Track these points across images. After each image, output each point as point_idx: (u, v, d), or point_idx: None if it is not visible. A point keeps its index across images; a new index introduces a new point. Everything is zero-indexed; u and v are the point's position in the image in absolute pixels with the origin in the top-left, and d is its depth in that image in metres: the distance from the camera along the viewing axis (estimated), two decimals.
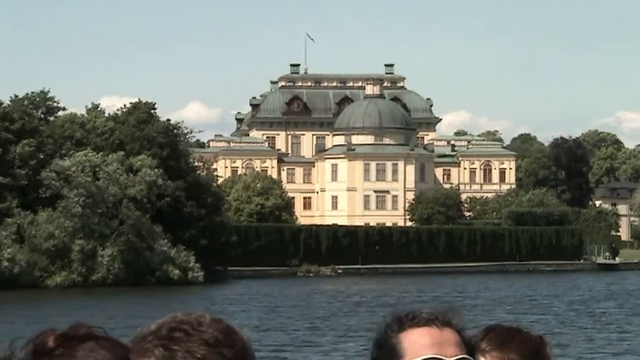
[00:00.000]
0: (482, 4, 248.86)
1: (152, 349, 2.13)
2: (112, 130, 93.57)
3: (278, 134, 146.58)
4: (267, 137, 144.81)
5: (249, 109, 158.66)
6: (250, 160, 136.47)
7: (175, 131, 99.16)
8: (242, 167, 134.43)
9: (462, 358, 2.77)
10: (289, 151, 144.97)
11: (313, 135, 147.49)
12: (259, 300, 72.86)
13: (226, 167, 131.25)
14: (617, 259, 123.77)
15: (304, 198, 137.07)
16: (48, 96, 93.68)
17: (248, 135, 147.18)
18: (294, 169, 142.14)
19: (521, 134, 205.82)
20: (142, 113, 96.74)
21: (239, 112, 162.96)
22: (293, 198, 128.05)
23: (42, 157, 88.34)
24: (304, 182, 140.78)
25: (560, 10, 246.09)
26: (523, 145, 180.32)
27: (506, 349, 2.85)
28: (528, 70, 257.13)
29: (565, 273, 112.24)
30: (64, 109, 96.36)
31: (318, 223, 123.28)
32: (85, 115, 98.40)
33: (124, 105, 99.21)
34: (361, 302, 71.08)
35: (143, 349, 2.12)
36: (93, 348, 1.93)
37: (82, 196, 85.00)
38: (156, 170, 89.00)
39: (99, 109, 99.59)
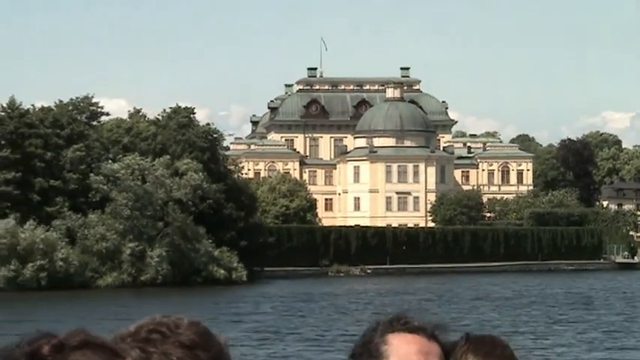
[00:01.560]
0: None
1: (129, 351, 2.20)
2: (154, 135, 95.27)
3: (296, 137, 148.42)
4: (285, 140, 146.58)
5: (261, 112, 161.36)
6: (273, 162, 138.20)
7: (215, 135, 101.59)
8: (265, 169, 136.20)
9: None
10: (308, 154, 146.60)
11: (331, 137, 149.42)
12: (324, 298, 75.04)
13: (249, 170, 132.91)
14: (635, 258, 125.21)
15: (326, 199, 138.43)
16: (92, 101, 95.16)
17: (266, 137, 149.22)
18: (315, 171, 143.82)
19: (520, 135, 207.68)
20: (182, 118, 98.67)
21: (254, 115, 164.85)
22: (315, 199, 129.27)
23: (90, 161, 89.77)
24: (325, 184, 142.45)
25: (545, 9, 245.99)
26: (523, 145, 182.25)
27: (492, 356, 2.97)
28: (513, 70, 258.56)
29: (585, 271, 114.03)
30: (107, 114, 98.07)
31: (340, 224, 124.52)
32: (128, 119, 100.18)
33: (164, 109, 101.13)
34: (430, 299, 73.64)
35: (121, 350, 2.18)
36: (85, 355, 1.97)
37: (130, 199, 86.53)
38: (200, 174, 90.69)
39: (140, 113, 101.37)
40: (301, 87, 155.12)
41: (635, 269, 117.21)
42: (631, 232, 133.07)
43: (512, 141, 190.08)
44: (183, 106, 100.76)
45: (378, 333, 2.85)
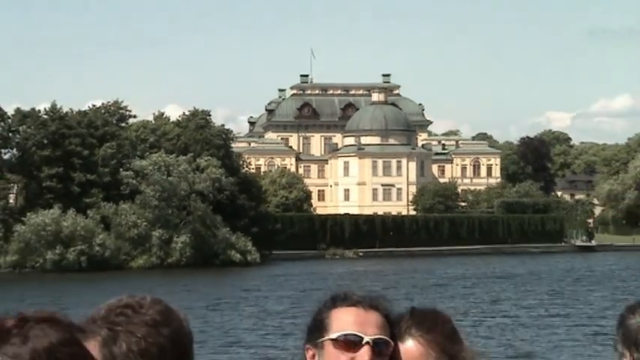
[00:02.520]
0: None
1: (99, 331, 2.20)
2: (178, 136, 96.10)
3: (291, 136, 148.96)
4: (281, 138, 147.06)
5: (257, 113, 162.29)
6: (272, 158, 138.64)
7: (228, 135, 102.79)
8: (265, 165, 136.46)
9: (380, 338, 2.83)
10: (301, 150, 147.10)
11: (321, 136, 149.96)
12: (340, 276, 76.05)
13: (251, 165, 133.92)
14: (592, 241, 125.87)
15: (319, 191, 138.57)
16: (121, 105, 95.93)
17: (263, 136, 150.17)
18: (309, 166, 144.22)
19: (479, 133, 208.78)
20: (199, 119, 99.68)
21: (251, 117, 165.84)
22: (310, 191, 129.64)
23: (120, 157, 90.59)
24: (319, 177, 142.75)
25: (492, 13, 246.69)
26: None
27: (434, 331, 2.90)
28: (467, 76, 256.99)
29: (549, 253, 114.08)
30: (134, 116, 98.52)
31: (333, 213, 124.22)
32: (153, 121, 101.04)
33: (183, 112, 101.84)
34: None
35: (91, 330, 2.18)
36: (44, 329, 1.92)
37: (157, 191, 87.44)
38: (218, 169, 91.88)
39: (164, 116, 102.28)
40: (295, 92, 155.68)
41: (592, 251, 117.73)
42: (588, 220, 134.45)
43: (473, 139, 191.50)
44: (200, 109, 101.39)
45: (325, 309, 2.92)
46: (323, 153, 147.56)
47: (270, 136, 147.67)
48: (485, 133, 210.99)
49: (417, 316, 2.92)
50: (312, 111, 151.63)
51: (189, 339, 2.36)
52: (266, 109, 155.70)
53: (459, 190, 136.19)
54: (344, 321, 2.82)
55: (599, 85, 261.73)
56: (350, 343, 2.80)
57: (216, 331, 41.30)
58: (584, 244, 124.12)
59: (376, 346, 2.80)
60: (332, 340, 2.82)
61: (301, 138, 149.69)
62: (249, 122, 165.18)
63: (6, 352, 1.88)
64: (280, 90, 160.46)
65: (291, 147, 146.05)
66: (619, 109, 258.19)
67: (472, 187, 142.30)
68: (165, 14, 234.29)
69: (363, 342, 2.79)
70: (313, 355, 2.88)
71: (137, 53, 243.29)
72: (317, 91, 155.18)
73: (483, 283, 69.75)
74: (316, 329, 2.88)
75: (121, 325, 2.25)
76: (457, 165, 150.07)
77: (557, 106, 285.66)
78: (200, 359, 31.38)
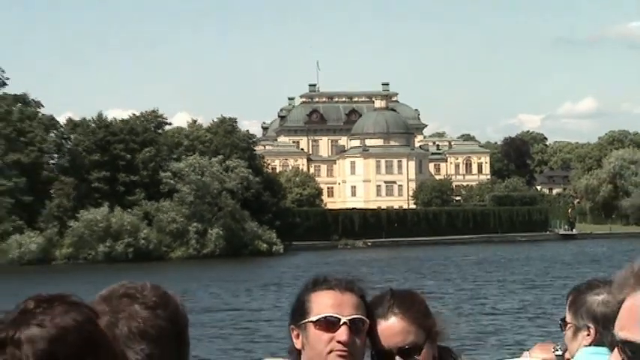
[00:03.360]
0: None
1: (104, 313, 2.18)
2: (209, 140, 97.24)
3: (301, 139, 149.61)
4: (293, 141, 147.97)
5: (270, 119, 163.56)
6: (286, 159, 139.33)
7: (252, 139, 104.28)
8: (279, 165, 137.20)
9: (356, 317, 2.84)
10: (311, 152, 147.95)
11: (328, 139, 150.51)
12: (353, 263, 76.38)
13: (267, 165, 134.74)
14: (574, 230, 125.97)
15: (328, 188, 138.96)
16: (158, 114, 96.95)
17: (276, 140, 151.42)
18: (319, 165, 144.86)
19: (462, 134, 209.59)
20: (227, 126, 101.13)
21: (264, 122, 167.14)
22: (321, 188, 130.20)
23: (159, 160, 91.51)
24: (327, 176, 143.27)
25: (467, 14, 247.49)
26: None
27: (412, 309, 2.94)
28: (446, 78, 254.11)
29: (535, 241, 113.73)
30: (170, 123, 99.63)
31: (341, 207, 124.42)
32: (187, 128, 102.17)
33: (213, 120, 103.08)
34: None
35: (96, 309, 2.10)
36: (66, 309, 1.92)
37: (193, 190, 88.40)
38: (246, 169, 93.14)
39: (196, 123, 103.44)
40: (304, 100, 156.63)
41: (573, 239, 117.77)
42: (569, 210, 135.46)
43: (458, 139, 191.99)
44: (227, 117, 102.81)
45: (306, 293, 2.91)
46: (330, 154, 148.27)
47: (283, 139, 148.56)
48: (469, 134, 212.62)
49: (397, 296, 2.98)
50: (319, 117, 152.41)
51: (184, 321, 2.41)
52: (278, 116, 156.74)
53: (454, 186, 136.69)
54: (323, 303, 2.86)
55: (565, 90, 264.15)
56: (329, 324, 2.83)
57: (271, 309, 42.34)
58: (567, 232, 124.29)
59: (353, 324, 2.84)
60: (313, 322, 2.84)
61: (310, 141, 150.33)
62: (262, 127, 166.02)
63: (30, 332, 1.89)
64: (290, 98, 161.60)
65: (302, 149, 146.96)
66: (584, 111, 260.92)
67: (465, 183, 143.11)
68: (189, 32, 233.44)
69: (341, 322, 2.82)
70: (297, 335, 2.91)
71: (159, 65, 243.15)
72: (324, 99, 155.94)
73: (488, 264, 71.20)
74: (299, 311, 2.91)
75: (124, 307, 2.30)
76: (451, 163, 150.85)
77: (528, 109, 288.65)
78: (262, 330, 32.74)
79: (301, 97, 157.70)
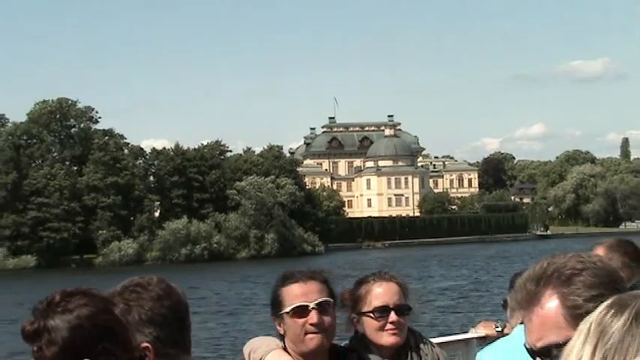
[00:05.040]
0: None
1: (117, 304, 2.07)
2: (262, 164, 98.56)
3: (324, 161, 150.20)
4: (317, 163, 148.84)
5: (295, 145, 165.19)
6: (314, 178, 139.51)
7: (296, 162, 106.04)
8: (309, 183, 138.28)
9: (322, 300, 2.75)
10: (332, 172, 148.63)
11: (345, 161, 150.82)
12: (378, 260, 77.18)
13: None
14: (548, 231, 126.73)
15: (348, 200, 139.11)
16: (221, 143, 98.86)
17: (302, 162, 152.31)
18: (341, 183, 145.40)
19: (444, 155, 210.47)
20: (275, 151, 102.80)
21: (291, 148, 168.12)
22: (343, 201, 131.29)
23: (224, 180, 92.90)
24: (347, 191, 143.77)
25: (447, 58, 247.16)
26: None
27: (396, 278, 2.97)
28: (425, 106, 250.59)
29: (517, 241, 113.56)
30: (230, 151, 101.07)
31: (359, 216, 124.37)
32: (243, 154, 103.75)
33: (263, 147, 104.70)
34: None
35: (113, 301, 2.03)
36: (85, 302, 1.86)
37: (252, 204, 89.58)
38: (292, 186, 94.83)
39: (250, 150, 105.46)
40: (325, 129, 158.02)
41: (548, 238, 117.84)
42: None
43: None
44: (274, 144, 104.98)
45: (277, 288, 2.84)
46: (347, 173, 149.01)
47: (309, 162, 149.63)
48: (449, 155, 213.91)
49: (377, 274, 3.07)
50: (338, 143, 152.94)
51: (186, 309, 2.37)
52: (304, 143, 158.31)
53: (450, 197, 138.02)
54: (292, 295, 2.80)
55: (520, 117, 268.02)
56: (301, 311, 2.77)
57: None
58: (543, 233, 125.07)
59: (320, 307, 2.78)
60: (287, 312, 2.79)
61: (331, 163, 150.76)
62: (289, 152, 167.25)
63: (55, 322, 1.84)
64: (311, 128, 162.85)
65: (326, 170, 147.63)
66: (535, 134, 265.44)
67: (459, 195, 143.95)
68: (239, 84, 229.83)
69: (310, 308, 2.76)
70: (279, 323, 2.85)
71: (193, 99, 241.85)
72: (341, 129, 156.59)
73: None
74: (275, 304, 2.86)
75: (133, 299, 2.28)
76: (447, 179, 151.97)
77: (489, 134, 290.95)
78: None
79: (322, 127, 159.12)
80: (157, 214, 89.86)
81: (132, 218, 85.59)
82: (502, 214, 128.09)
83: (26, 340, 1.89)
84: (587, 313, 1.42)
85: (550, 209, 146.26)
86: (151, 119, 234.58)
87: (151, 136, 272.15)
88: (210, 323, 33.23)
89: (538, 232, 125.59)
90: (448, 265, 68.24)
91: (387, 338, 2.93)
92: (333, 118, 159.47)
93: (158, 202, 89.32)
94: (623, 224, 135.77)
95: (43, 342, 1.86)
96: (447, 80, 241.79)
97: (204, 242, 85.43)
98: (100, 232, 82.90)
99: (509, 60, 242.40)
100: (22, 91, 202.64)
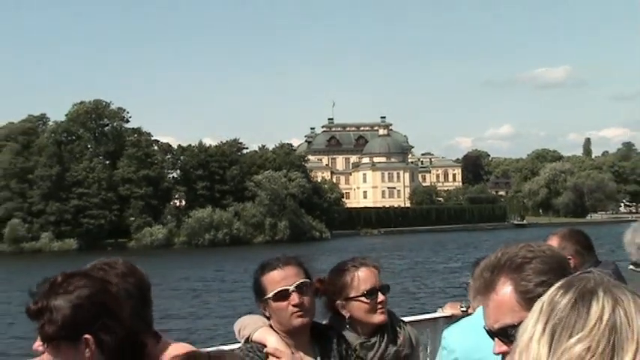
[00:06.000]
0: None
1: (113, 284, 2.06)
2: (274, 159, 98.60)
3: (323, 157, 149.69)
4: (317, 159, 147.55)
5: (297, 143, 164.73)
6: (315, 173, 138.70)
7: (304, 158, 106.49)
8: (312, 177, 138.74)
9: (300, 282, 2.66)
10: (331, 167, 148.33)
11: (343, 157, 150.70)
12: (375, 245, 77.11)
13: None
14: (524, 220, 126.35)
15: (346, 192, 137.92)
16: (238, 141, 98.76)
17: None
18: (339, 177, 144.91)
19: (425, 152, 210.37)
20: (286, 149, 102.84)
21: (293, 145, 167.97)
22: (342, 193, 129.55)
23: (242, 174, 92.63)
24: (345, 184, 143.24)
25: (429, 62, 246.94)
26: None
27: (376, 262, 2.95)
28: (410, 108, 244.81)
29: (497, 229, 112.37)
30: (246, 147, 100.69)
31: (357, 206, 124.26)
32: (258, 151, 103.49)
33: (276, 145, 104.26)
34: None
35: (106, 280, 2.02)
36: (85, 283, 1.86)
37: (267, 195, 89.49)
38: (302, 179, 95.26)
39: (264, 147, 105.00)
40: (324, 129, 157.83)
41: (524, 227, 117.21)
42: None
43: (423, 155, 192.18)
44: (285, 142, 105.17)
45: (258, 276, 2.74)
46: (344, 168, 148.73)
47: (310, 158, 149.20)
48: (428, 152, 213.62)
49: (359, 260, 3.04)
50: (336, 141, 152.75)
51: (147, 287, 2.34)
52: (306, 141, 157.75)
53: (437, 190, 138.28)
54: (273, 281, 2.72)
55: (490, 118, 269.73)
56: (282, 295, 2.69)
57: None
58: (520, 222, 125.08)
59: (300, 289, 2.70)
60: (270, 298, 2.71)
61: (330, 159, 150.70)
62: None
63: (57, 302, 1.83)
64: (311, 128, 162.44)
65: (326, 165, 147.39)
66: (504, 134, 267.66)
67: (445, 188, 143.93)
68: (251, 92, 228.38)
69: (290, 290, 2.68)
70: (264, 307, 2.77)
71: (201, 100, 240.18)
72: (339, 128, 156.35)
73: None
74: (258, 291, 2.77)
75: (102, 276, 2.20)
76: (434, 174, 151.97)
77: (462, 133, 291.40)
78: None
79: (322, 127, 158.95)
80: (183, 203, 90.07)
81: (161, 207, 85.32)
82: (483, 205, 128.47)
83: (31, 319, 1.91)
84: (538, 297, 1.38)
85: (525, 201, 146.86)
86: (151, 120, 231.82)
87: (157, 134, 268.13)
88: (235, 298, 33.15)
89: (515, 222, 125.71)
90: (433, 251, 67.79)
91: (378, 317, 2.93)
92: (332, 119, 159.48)
93: (184, 193, 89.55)
94: (589, 215, 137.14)
95: (45, 319, 1.89)
96: (428, 86, 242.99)
97: (226, 229, 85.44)
98: (133, 219, 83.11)
99: (479, 67, 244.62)
100: (51, 91, 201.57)
